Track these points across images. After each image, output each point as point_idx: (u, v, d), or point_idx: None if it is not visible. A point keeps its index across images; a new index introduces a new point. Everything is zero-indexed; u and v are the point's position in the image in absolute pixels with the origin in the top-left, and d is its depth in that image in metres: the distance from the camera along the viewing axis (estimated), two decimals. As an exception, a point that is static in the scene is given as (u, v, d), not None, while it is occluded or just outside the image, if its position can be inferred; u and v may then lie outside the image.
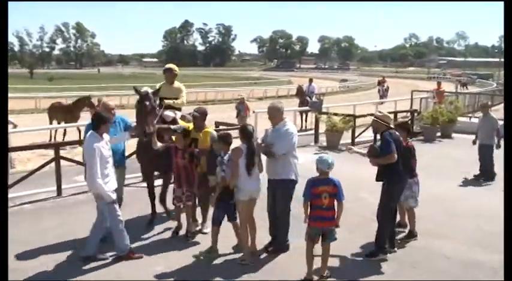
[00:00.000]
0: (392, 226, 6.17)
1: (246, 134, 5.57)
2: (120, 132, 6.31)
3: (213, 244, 5.81)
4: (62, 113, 15.26)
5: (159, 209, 7.01)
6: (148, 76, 68.80)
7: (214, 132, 6.40)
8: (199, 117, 6.32)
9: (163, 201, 6.76)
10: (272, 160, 5.75)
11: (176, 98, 7.21)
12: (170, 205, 6.74)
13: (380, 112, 6.20)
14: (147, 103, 6.11)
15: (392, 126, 6.05)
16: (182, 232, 6.51)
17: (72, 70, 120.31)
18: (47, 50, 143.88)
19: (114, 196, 5.51)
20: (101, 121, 5.56)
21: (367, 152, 5.95)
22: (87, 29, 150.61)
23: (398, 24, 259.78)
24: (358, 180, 9.23)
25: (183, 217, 6.44)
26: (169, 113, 6.94)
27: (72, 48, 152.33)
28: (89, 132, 5.56)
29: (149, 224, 6.78)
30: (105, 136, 5.61)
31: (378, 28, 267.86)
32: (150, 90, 6.33)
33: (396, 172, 5.79)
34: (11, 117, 11.96)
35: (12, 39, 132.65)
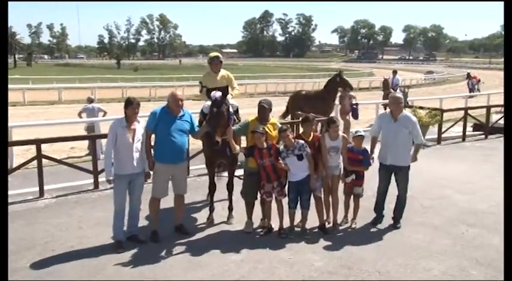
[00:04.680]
0: None
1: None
2: (185, 129, 5.86)
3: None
4: (308, 102, 12.95)
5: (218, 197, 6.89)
6: (227, 67, 69.43)
7: (279, 124, 6.27)
8: (268, 109, 6.17)
9: (230, 190, 6.60)
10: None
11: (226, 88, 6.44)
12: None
13: None
14: (215, 110, 5.82)
15: None
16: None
17: (155, 61, 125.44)
18: (133, 41, 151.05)
19: (111, 178, 5.42)
20: (126, 105, 5.50)
21: None
22: (170, 20, 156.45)
23: (495, 10, 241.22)
24: (443, 177, 8.83)
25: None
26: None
27: (155, 40, 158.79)
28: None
29: (209, 220, 6.54)
30: (137, 125, 5.51)
31: (469, 16, 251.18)
32: (218, 95, 5.92)
33: None
34: (101, 105, 12.66)
35: (102, 32, 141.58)
